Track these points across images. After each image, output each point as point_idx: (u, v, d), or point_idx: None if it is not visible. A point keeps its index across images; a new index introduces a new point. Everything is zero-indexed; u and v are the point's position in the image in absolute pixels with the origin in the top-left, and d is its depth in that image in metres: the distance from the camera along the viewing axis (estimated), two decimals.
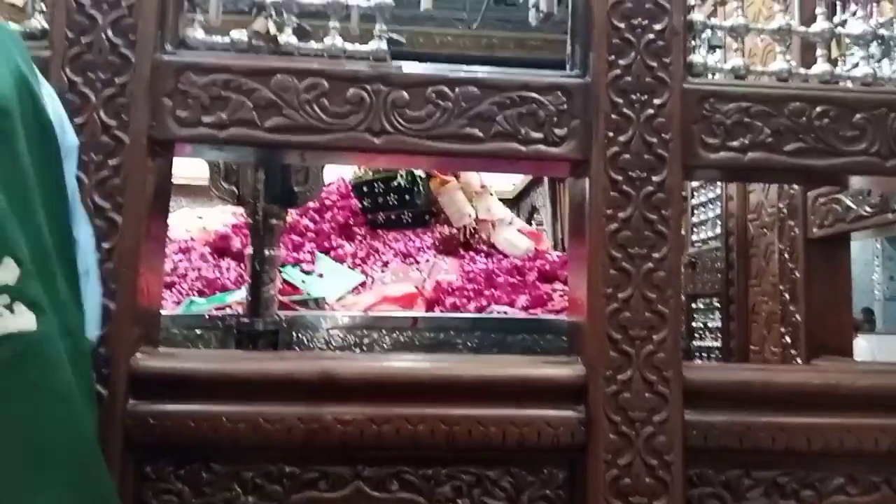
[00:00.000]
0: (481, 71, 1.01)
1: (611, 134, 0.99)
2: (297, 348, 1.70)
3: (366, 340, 1.72)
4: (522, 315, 1.98)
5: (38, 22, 0.98)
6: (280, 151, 1.03)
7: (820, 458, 1.00)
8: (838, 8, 1.34)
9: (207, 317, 1.71)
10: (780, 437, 0.98)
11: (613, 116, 0.99)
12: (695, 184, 2.59)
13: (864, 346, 4.84)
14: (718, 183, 2.34)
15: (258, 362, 0.98)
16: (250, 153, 1.10)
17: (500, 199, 3.17)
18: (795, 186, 1.84)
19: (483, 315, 1.95)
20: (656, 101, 1.00)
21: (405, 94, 0.98)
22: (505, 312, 1.99)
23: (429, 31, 2.64)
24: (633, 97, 1.00)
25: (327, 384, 0.95)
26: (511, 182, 4.03)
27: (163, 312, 1.84)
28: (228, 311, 1.78)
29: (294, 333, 1.69)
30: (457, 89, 0.99)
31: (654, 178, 0.99)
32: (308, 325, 1.73)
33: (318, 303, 1.92)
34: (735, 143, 1.02)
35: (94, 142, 0.93)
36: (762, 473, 1.01)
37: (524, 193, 3.97)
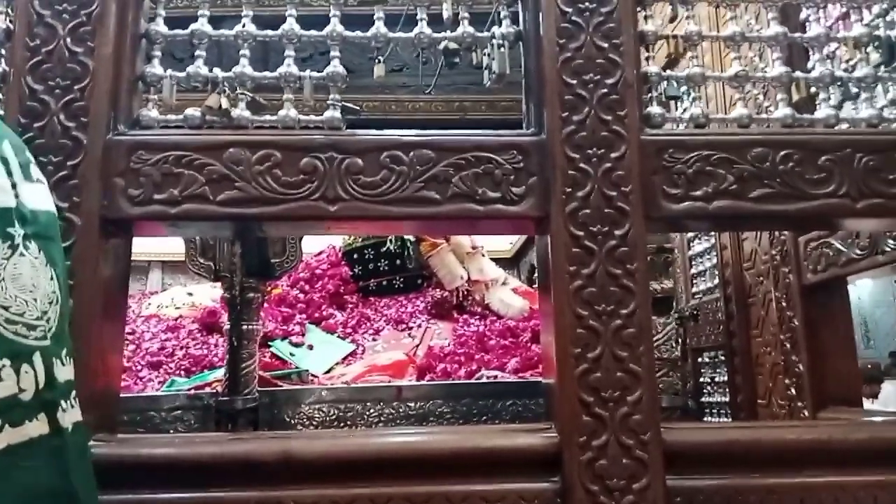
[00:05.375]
0: (434, 133, 1.00)
1: (569, 189, 0.97)
2: (275, 427, 1.64)
3: (349, 414, 1.67)
4: (511, 379, 1.92)
5: None
6: (235, 224, 1.01)
7: None
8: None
9: (186, 397, 1.67)
10: (770, 500, 0.92)
11: (570, 172, 0.98)
12: (689, 234, 2.56)
13: (891, 391, 4.63)
14: (712, 232, 2.29)
15: (215, 445, 0.94)
16: (205, 228, 1.09)
17: (499, 259, 3.14)
18: (786, 232, 1.80)
19: (469, 381, 1.89)
20: (613, 155, 0.98)
21: (359, 160, 0.97)
22: (495, 376, 1.93)
23: (401, 99, 2.71)
24: (590, 152, 0.98)
25: (288, 465, 0.90)
26: (508, 241, 4.02)
27: (146, 393, 1.81)
28: (209, 389, 1.74)
29: (275, 410, 1.64)
30: (411, 153, 0.98)
31: (617, 232, 0.96)
32: (289, 400, 1.68)
33: (302, 377, 1.88)
34: (698, 192, 1.00)
35: None
36: None
37: (522, 252, 3.95)
